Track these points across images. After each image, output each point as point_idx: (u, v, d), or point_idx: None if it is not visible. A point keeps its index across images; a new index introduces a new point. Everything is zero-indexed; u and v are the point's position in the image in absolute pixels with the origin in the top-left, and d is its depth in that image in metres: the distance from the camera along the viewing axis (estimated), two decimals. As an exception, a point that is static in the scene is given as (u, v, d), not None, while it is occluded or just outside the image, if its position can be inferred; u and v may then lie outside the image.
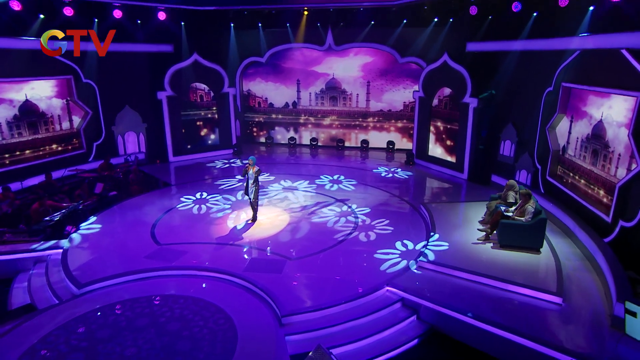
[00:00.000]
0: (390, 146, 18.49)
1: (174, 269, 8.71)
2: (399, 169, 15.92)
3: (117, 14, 14.72)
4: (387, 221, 10.97)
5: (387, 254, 9.20)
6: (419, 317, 7.60)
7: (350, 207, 12.05)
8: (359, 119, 19.14)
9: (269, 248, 9.56)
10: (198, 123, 17.84)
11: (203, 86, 17.63)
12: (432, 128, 16.02)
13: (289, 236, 10.23)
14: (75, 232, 10.18)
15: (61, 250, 9.31)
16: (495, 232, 9.33)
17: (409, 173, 15.47)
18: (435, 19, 15.67)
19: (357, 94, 18.82)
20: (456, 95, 14.63)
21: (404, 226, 10.76)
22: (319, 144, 19.55)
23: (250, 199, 10.79)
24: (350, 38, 17.69)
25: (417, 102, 16.33)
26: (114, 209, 12.03)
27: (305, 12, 15.32)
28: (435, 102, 15.69)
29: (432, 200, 12.80)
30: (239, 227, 10.67)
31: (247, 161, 10.68)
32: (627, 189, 8.31)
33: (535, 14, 11.44)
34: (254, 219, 10.95)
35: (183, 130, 17.21)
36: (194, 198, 12.81)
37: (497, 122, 13.86)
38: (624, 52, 8.39)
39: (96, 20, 14.43)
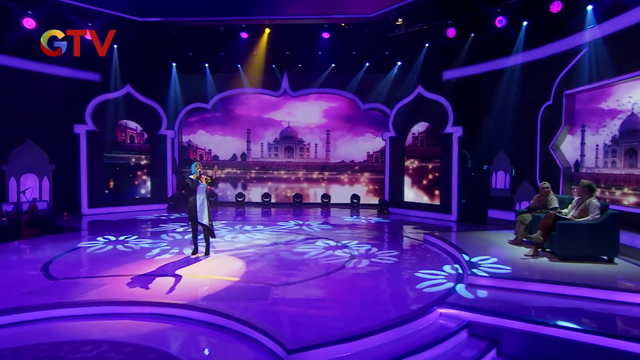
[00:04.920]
0: (355, 200, 16.19)
1: (77, 306, 5.05)
2: (373, 218, 13.46)
3: (30, 23, 11.64)
4: (393, 251, 8.21)
5: (430, 274, 6.36)
6: (500, 351, 4.69)
7: (335, 241, 9.13)
8: (318, 172, 16.90)
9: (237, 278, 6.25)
10: (128, 168, 14.40)
11: (135, 125, 14.61)
12: (407, 170, 14.18)
13: (265, 267, 6.98)
14: None
15: None
16: (544, 244, 6.98)
17: (387, 220, 13.03)
18: (399, 62, 14.81)
19: (316, 144, 16.85)
20: (434, 128, 13.17)
21: (416, 255, 8.07)
22: (273, 200, 16.70)
23: (204, 224, 7.51)
24: (308, 83, 16.21)
25: (387, 143, 14.66)
26: (-13, 250, 7.97)
27: (267, 30, 13.71)
28: (409, 140, 14.10)
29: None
30: (187, 260, 7.24)
31: (192, 175, 7.48)
32: None
33: (525, 23, 10.66)
34: (207, 251, 7.61)
35: (112, 178, 13.75)
36: (115, 239, 9.11)
37: (485, 156, 12.36)
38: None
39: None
